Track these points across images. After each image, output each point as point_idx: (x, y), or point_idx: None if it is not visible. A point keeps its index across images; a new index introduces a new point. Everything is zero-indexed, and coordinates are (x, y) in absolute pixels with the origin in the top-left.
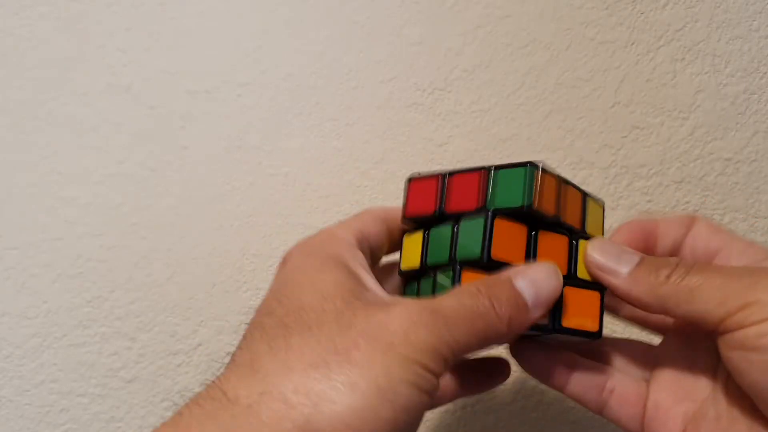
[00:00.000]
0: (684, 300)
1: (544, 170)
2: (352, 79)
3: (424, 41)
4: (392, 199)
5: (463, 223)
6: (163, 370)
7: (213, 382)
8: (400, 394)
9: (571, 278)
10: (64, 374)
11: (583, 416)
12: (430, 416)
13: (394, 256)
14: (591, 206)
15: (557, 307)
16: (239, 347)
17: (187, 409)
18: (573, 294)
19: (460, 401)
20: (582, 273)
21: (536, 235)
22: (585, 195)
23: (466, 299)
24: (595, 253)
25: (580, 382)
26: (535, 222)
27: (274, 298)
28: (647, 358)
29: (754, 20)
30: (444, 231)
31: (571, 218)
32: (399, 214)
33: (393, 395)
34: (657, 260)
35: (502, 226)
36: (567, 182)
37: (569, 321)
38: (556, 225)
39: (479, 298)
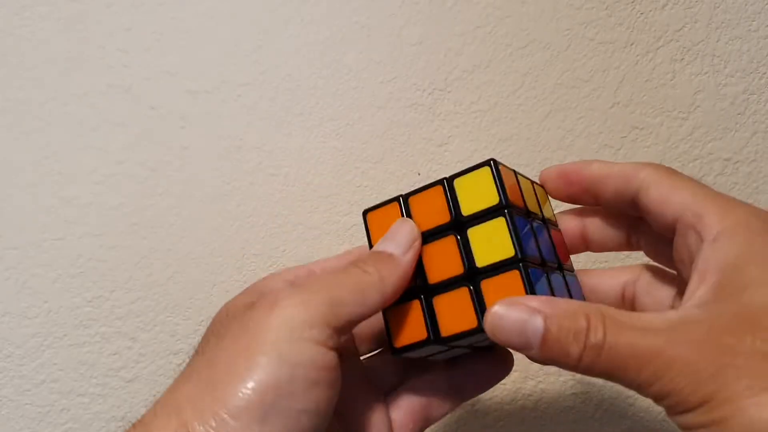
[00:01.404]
0: (607, 376)
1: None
2: (352, 79)
3: (424, 41)
4: None
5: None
6: (163, 369)
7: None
8: (266, 379)
9: (475, 272)
10: (64, 374)
11: (583, 416)
12: None
13: None
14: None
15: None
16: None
17: None
18: (492, 282)
19: None
20: (481, 260)
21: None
22: (447, 182)
23: (334, 267)
24: (495, 329)
25: None
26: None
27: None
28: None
29: (753, 21)
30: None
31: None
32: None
33: (258, 384)
34: (564, 327)
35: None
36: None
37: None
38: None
39: (346, 267)
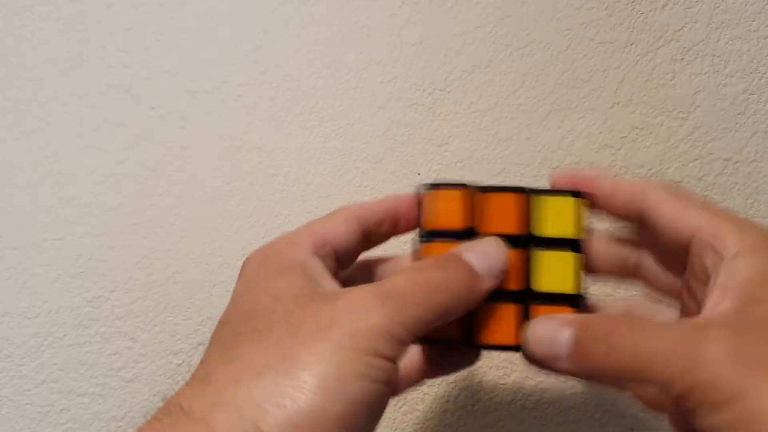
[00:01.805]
0: (633, 378)
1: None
2: (352, 79)
3: (424, 41)
4: None
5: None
6: (163, 369)
7: (171, 397)
8: (349, 389)
9: (531, 295)
10: (64, 374)
11: (583, 416)
12: (431, 416)
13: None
14: (545, 204)
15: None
16: (200, 361)
17: (147, 426)
18: (542, 310)
19: (460, 401)
20: (540, 285)
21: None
22: (527, 193)
23: (417, 275)
24: (527, 345)
25: None
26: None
27: (232, 308)
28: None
29: (753, 21)
30: None
31: (502, 226)
32: (377, 210)
33: (341, 391)
34: (590, 333)
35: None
36: (489, 189)
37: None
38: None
39: (431, 270)
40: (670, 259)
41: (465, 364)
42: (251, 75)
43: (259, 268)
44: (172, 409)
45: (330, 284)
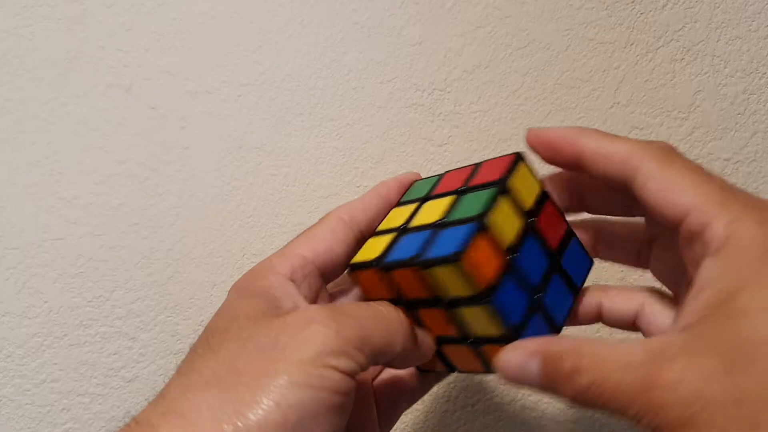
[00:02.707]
0: (597, 409)
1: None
2: (352, 79)
3: (424, 41)
4: None
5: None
6: (163, 369)
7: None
8: (291, 397)
9: (473, 341)
10: (65, 374)
11: (583, 415)
12: (430, 416)
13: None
14: (435, 274)
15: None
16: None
17: None
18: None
19: (460, 401)
20: (473, 332)
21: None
22: (419, 268)
23: (369, 304)
24: (504, 377)
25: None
26: None
27: (201, 334)
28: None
29: (753, 21)
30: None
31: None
32: (366, 209)
33: (283, 399)
34: (555, 369)
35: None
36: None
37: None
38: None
39: (382, 304)
40: (675, 261)
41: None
42: (251, 75)
43: (233, 294)
44: (128, 422)
45: (290, 305)
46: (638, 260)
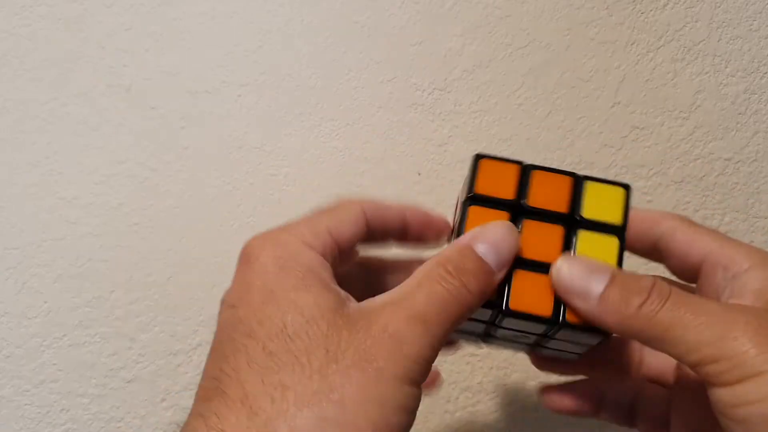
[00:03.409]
0: (654, 338)
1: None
2: (352, 79)
3: (424, 41)
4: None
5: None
6: (163, 370)
7: (209, 417)
8: (392, 421)
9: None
10: (64, 374)
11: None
12: (431, 417)
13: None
14: (595, 190)
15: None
16: (226, 373)
17: None
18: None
19: (460, 402)
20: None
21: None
22: (577, 178)
23: (436, 287)
24: (561, 272)
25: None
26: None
27: (253, 316)
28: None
29: (754, 20)
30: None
31: (550, 203)
32: (388, 213)
33: (384, 424)
34: (629, 282)
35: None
36: (544, 168)
37: (574, 316)
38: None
39: (449, 281)
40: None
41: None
42: (251, 75)
43: (276, 273)
44: None
45: (347, 298)
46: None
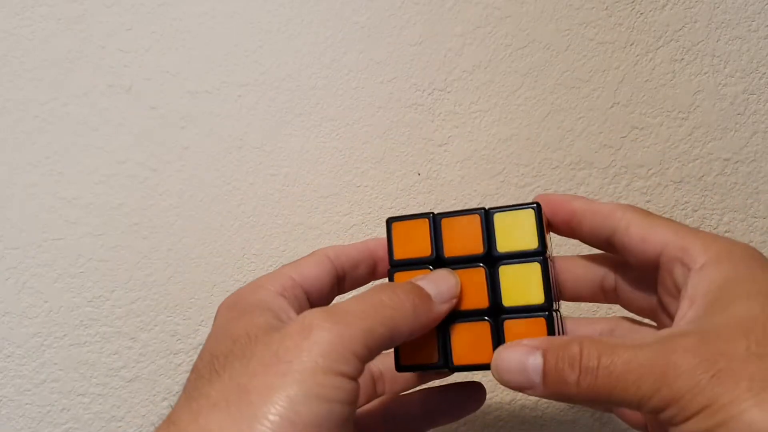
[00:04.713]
0: (606, 401)
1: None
2: (352, 79)
3: (424, 41)
4: (391, 199)
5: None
6: (163, 369)
7: None
8: (305, 412)
9: (500, 310)
10: (65, 373)
11: (583, 415)
12: None
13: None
14: (503, 220)
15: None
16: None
17: None
18: (514, 325)
19: None
20: (508, 299)
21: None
22: (485, 213)
23: (369, 294)
24: (501, 375)
25: None
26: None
27: (200, 356)
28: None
29: (753, 21)
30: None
31: (466, 247)
32: (351, 252)
33: (297, 415)
34: (560, 357)
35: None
36: (446, 214)
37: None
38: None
39: (383, 291)
40: (642, 278)
41: (469, 410)
42: (251, 75)
43: (225, 313)
44: None
45: (286, 318)
46: (602, 292)
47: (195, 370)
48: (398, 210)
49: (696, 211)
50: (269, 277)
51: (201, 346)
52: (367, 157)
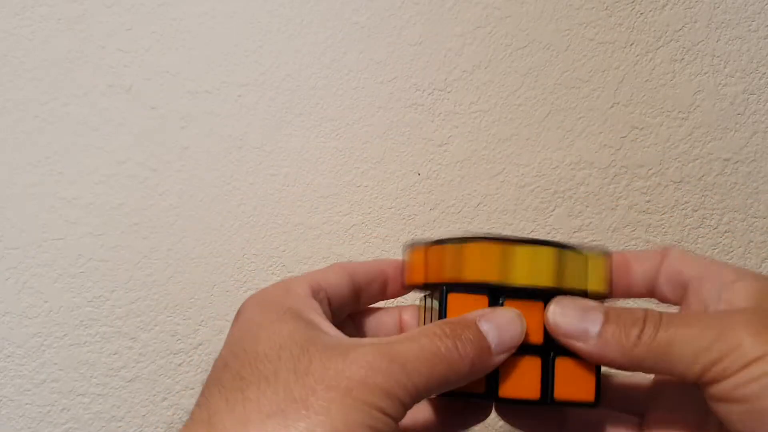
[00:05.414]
0: (659, 360)
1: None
2: (352, 79)
3: (424, 42)
4: (392, 199)
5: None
6: (163, 369)
7: None
8: None
9: (553, 348)
10: (65, 373)
11: None
12: None
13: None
14: (575, 259)
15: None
16: (197, 404)
17: None
18: (565, 364)
19: None
20: (560, 394)
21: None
22: (561, 248)
23: (427, 342)
24: (556, 318)
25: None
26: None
27: (230, 352)
28: (640, 400)
29: (752, 21)
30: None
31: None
32: (367, 268)
33: None
34: (623, 316)
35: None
36: (516, 241)
37: (562, 392)
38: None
39: (442, 339)
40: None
41: (476, 420)
42: (251, 75)
43: (256, 313)
44: None
45: (332, 330)
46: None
47: (228, 367)
48: (399, 210)
49: (696, 211)
50: (296, 279)
51: (201, 346)
52: (367, 157)
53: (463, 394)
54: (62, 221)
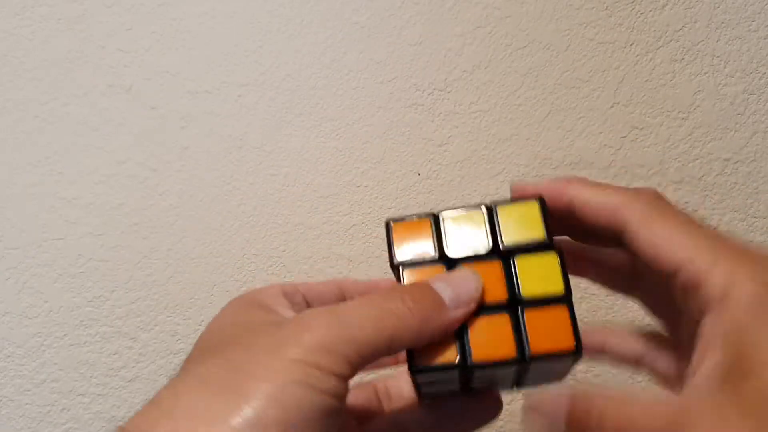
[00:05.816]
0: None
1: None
2: (352, 79)
3: (424, 42)
4: (392, 199)
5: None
6: (163, 369)
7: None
8: (289, 395)
9: (519, 302)
10: (65, 373)
11: None
12: None
13: None
14: (507, 212)
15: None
16: (155, 393)
17: None
18: (536, 314)
19: None
20: (527, 290)
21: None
22: (490, 208)
23: (374, 299)
24: (535, 407)
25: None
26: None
27: (196, 342)
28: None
29: (752, 21)
30: None
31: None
32: (359, 285)
33: (282, 397)
34: (580, 411)
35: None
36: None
37: (538, 345)
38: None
39: (389, 295)
40: (658, 292)
41: (487, 416)
42: (251, 75)
43: (227, 308)
44: None
45: (289, 315)
46: (624, 288)
47: (190, 357)
48: (399, 210)
49: (696, 211)
50: (276, 284)
51: None
52: (367, 157)
53: (437, 367)
54: (62, 221)
